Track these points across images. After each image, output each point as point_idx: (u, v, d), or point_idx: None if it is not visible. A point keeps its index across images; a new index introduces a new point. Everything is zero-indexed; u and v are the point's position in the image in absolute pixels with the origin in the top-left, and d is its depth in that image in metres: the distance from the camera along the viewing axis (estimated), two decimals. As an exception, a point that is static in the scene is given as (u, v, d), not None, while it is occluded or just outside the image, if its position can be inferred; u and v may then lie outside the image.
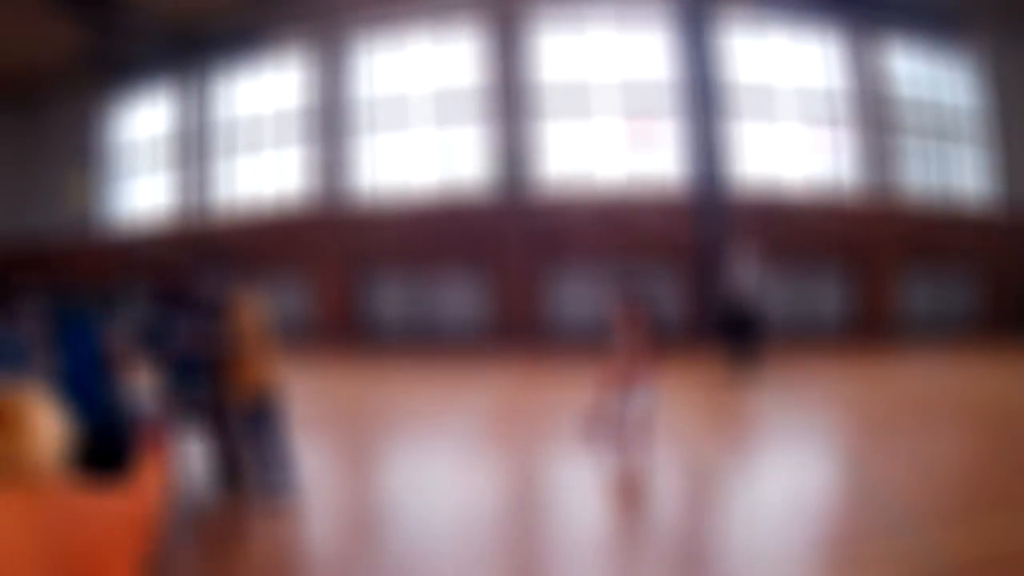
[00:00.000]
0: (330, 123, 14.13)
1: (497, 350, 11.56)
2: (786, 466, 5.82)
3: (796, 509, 4.76)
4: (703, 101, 12.31)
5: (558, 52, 13.00)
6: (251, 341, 5.39)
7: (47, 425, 1.61)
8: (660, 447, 6.00)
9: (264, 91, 15.51)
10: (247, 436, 5.50)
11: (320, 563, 4.58)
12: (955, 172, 13.68)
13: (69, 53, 14.81)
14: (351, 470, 6.62)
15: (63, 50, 14.92)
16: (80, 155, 14.43)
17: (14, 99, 18.93)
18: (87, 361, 4.64)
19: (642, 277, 10.62)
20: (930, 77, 13.75)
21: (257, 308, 5.59)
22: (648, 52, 12.75)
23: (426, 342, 12.72)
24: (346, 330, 13.74)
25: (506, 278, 12.61)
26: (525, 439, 6.91)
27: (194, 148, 16.10)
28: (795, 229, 12.03)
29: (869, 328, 12.45)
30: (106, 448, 4.57)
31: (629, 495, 5.40)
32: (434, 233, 12.93)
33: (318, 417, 8.27)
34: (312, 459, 6.58)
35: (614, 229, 12.04)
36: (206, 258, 6.41)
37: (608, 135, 12.71)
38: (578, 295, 12.15)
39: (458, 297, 13.07)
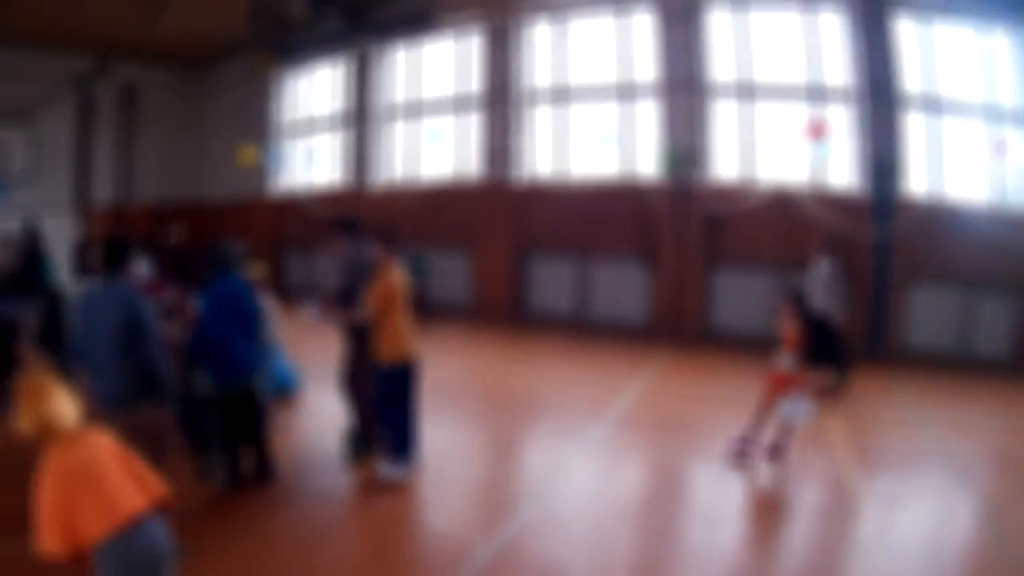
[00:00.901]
0: (500, 101, 14.20)
1: (651, 347, 11.35)
2: (924, 500, 5.79)
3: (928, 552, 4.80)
4: (879, 97, 11.48)
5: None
6: (396, 308, 5.58)
7: (63, 393, 2.96)
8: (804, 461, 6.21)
9: (429, 70, 16.11)
10: (381, 403, 5.80)
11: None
12: None
13: (241, 27, 15.59)
14: (481, 451, 6.89)
15: (237, 25, 15.77)
16: (253, 127, 15.49)
17: (192, 73, 21.07)
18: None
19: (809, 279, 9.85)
20: None
21: (402, 276, 5.77)
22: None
23: (582, 330, 12.64)
24: (502, 310, 13.92)
25: (672, 272, 12.30)
26: (675, 443, 6.95)
27: (359, 120, 16.85)
28: (961, 240, 10.88)
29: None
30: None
31: (767, 508, 5.58)
32: (600, 217, 12.76)
33: (462, 394, 8.71)
34: (445, 435, 6.96)
35: (784, 224, 11.49)
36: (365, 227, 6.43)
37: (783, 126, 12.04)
38: (742, 296, 11.76)
39: (618, 287, 12.91)
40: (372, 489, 5.62)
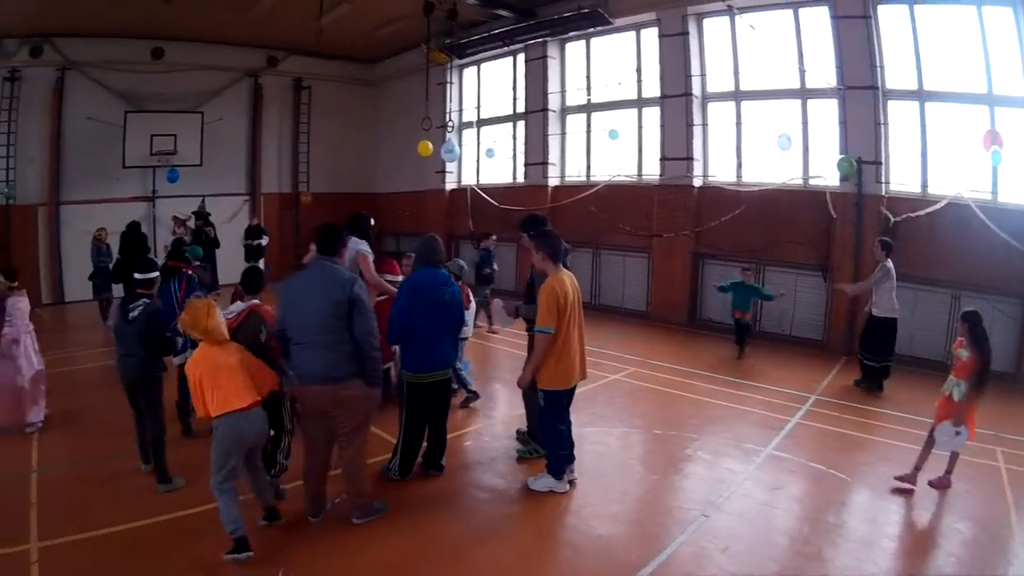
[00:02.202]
0: (675, 99, 13.97)
1: (828, 362, 11.05)
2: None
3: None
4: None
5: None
6: (563, 323, 5.50)
7: (218, 314, 4.77)
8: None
9: (604, 66, 16.22)
10: (539, 417, 6.04)
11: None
12: None
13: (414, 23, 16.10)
14: (647, 462, 6.96)
15: (409, 20, 16.46)
16: (425, 120, 15.61)
17: (363, 66, 22.24)
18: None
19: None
20: None
21: (572, 284, 5.63)
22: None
23: (756, 340, 12.29)
24: (677, 315, 13.96)
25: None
26: (848, 463, 6.86)
27: (534, 115, 17.24)
28: None
29: None
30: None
31: (922, 539, 5.43)
32: (776, 223, 12.45)
33: (633, 400, 8.92)
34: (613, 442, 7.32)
35: (961, 238, 10.69)
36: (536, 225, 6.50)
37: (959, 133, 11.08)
38: (920, 313, 11.11)
39: (795, 297, 12.48)
40: (535, 494, 5.89)
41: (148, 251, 12.61)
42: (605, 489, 6.02)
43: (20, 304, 7.85)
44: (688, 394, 9.05)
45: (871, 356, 9.55)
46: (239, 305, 5.60)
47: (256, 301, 5.58)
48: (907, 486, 6.02)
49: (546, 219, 7.08)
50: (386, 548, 4.88)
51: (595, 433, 7.46)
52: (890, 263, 9.50)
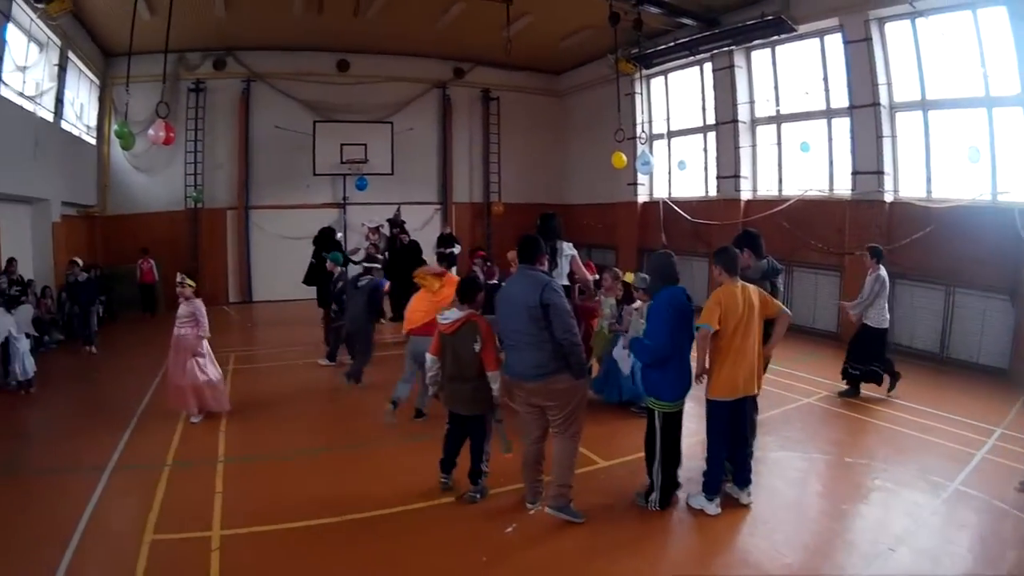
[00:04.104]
0: (863, 109, 13.78)
1: (1013, 392, 10.55)
2: None
3: None
4: None
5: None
6: (738, 334, 5.68)
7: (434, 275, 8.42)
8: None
9: (791, 77, 16.06)
10: (708, 431, 6.06)
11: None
12: None
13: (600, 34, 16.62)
14: (828, 488, 7.06)
15: (595, 31, 16.98)
16: (615, 130, 15.97)
17: (550, 77, 23.15)
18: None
19: None
20: None
21: (750, 299, 5.78)
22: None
23: (941, 366, 12.22)
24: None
25: None
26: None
27: (725, 127, 17.29)
28: None
29: None
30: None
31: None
32: (965, 243, 11.98)
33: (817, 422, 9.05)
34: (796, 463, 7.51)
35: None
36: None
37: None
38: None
39: (982, 322, 12.03)
40: (725, 517, 6.01)
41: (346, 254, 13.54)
42: (796, 516, 6.11)
43: (193, 308, 8.53)
44: (877, 421, 8.97)
45: (856, 364, 9.62)
46: (455, 313, 5.97)
47: (472, 311, 5.98)
48: None
49: (757, 235, 7.22)
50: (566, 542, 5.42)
51: (787, 458, 7.56)
52: (883, 271, 9.38)
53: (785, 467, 7.33)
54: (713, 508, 6.03)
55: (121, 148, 13.96)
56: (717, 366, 5.76)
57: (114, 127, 16.36)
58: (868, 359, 9.84)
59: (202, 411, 8.58)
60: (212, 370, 8.63)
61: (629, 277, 8.78)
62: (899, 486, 6.93)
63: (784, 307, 6.06)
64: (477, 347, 5.70)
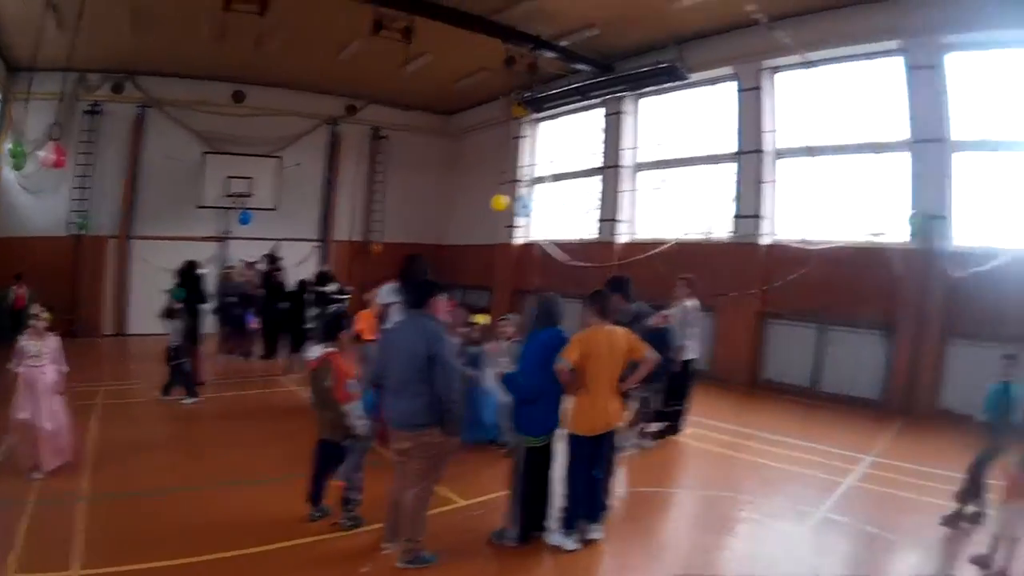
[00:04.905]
0: (746, 157, 14.16)
1: (883, 421, 11.00)
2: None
3: None
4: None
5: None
6: (599, 373, 5.69)
7: None
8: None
9: (676, 123, 16.32)
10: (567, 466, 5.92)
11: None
12: None
13: (493, 76, 16.69)
14: (696, 518, 7.05)
15: (488, 74, 16.98)
16: (500, 173, 16.22)
17: (440, 117, 22.78)
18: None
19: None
20: None
21: (615, 340, 5.82)
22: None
23: (814, 400, 12.42)
24: (740, 375, 13.77)
25: (908, 343, 11.76)
26: (899, 526, 6.75)
27: (606, 171, 17.50)
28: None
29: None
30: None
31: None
32: (842, 282, 12.35)
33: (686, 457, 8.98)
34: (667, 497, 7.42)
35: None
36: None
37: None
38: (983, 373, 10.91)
39: (855, 357, 12.40)
40: (590, 553, 5.82)
41: (203, 290, 12.90)
42: (655, 550, 6.06)
43: (53, 343, 7.51)
44: (745, 456, 8.94)
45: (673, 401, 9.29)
46: (318, 350, 6.05)
47: (331, 349, 6.00)
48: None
49: (627, 279, 7.56)
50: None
51: (648, 494, 7.47)
52: (693, 302, 9.41)
53: (647, 503, 7.28)
54: (571, 544, 5.85)
55: (12, 168, 13.31)
56: (579, 402, 5.76)
57: (8, 145, 15.37)
58: (678, 396, 9.38)
59: (48, 464, 7.23)
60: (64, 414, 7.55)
61: (480, 319, 8.90)
62: (766, 517, 6.92)
63: (649, 350, 6.07)
64: (329, 382, 5.81)
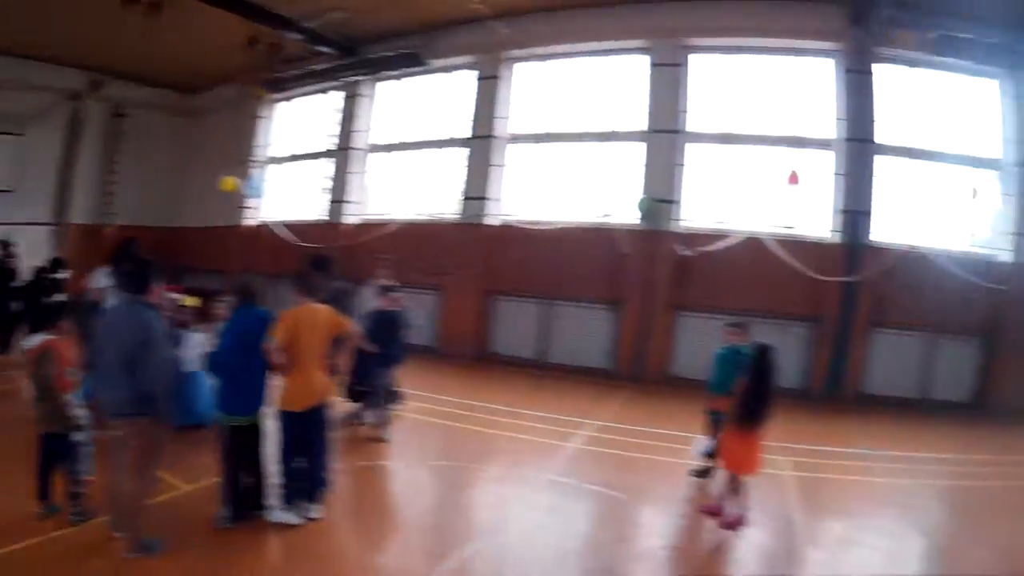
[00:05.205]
0: (479, 141, 14.33)
1: (614, 389, 11.44)
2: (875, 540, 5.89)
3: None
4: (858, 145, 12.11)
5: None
6: (305, 350, 5.59)
7: None
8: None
9: (413, 108, 16.21)
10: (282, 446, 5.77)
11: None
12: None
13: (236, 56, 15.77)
14: (430, 489, 6.91)
15: (231, 53, 15.90)
16: (237, 154, 15.43)
17: (181, 96, 21.48)
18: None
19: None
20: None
21: (318, 318, 5.73)
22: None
23: (546, 373, 12.68)
24: (468, 351, 13.75)
25: (637, 316, 12.46)
26: (626, 483, 6.89)
27: (340, 153, 17.04)
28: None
29: None
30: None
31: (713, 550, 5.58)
32: (570, 261, 12.77)
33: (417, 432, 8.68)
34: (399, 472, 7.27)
35: (754, 270, 11.87)
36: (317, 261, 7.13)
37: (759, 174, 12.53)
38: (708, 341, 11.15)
39: (584, 331, 12.94)
40: (317, 528, 5.60)
41: None
42: (376, 523, 5.95)
43: None
44: (471, 427, 8.87)
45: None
46: (38, 338, 5.68)
47: (51, 337, 5.59)
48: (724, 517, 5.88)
49: (329, 258, 7.49)
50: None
51: (371, 468, 7.18)
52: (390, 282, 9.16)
53: (369, 477, 7.09)
54: (294, 519, 5.64)
55: None
56: (288, 379, 5.67)
57: None
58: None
59: None
60: None
61: (190, 301, 8.61)
62: (490, 482, 6.96)
63: (353, 326, 6.21)
64: (50, 371, 5.40)
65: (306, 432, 5.73)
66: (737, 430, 5.82)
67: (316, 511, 5.71)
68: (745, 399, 5.81)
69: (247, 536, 5.40)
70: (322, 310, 5.83)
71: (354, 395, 8.61)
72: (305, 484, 5.74)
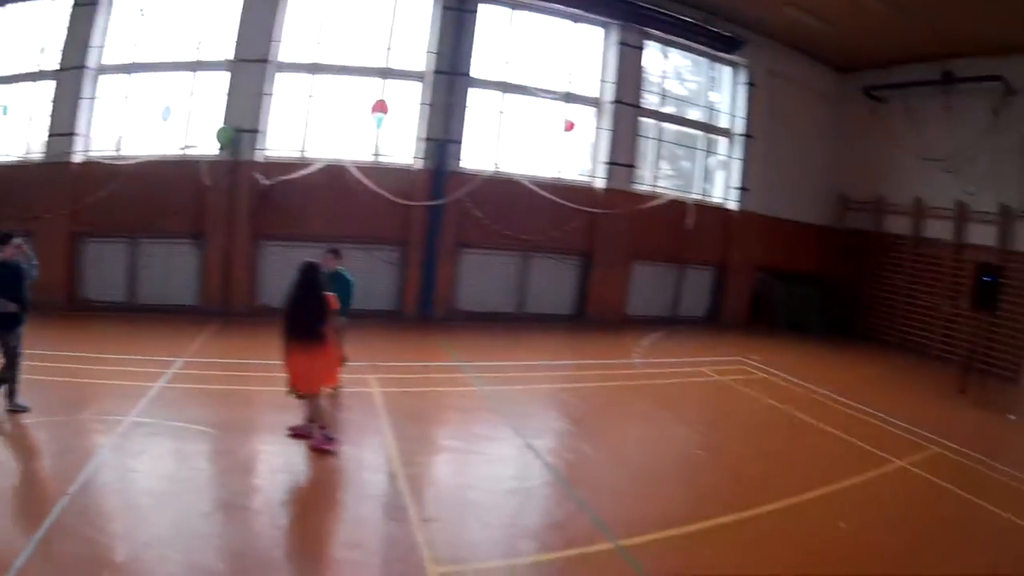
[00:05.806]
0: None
1: (201, 325, 11.37)
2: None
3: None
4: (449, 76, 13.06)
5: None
6: None
7: None
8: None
9: None
10: None
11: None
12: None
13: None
14: None
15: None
16: None
17: None
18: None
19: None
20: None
21: None
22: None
23: (134, 314, 12.09)
24: (60, 299, 12.25)
25: (220, 249, 12.46)
26: (221, 414, 7.16)
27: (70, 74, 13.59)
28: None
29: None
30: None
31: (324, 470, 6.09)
32: (156, 196, 12.17)
33: None
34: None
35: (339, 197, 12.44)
36: None
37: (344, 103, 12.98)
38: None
39: (168, 268, 12.58)
40: None
41: None
42: None
43: None
44: (57, 377, 8.14)
45: None
46: None
47: None
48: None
49: None
50: None
51: None
52: None
53: None
54: None
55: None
56: None
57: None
58: None
59: None
60: None
61: None
62: (72, 433, 6.67)
63: None
64: None
65: None
66: (291, 347, 6.15)
67: None
68: (288, 316, 6.17)
69: None
70: None
71: None
72: None
